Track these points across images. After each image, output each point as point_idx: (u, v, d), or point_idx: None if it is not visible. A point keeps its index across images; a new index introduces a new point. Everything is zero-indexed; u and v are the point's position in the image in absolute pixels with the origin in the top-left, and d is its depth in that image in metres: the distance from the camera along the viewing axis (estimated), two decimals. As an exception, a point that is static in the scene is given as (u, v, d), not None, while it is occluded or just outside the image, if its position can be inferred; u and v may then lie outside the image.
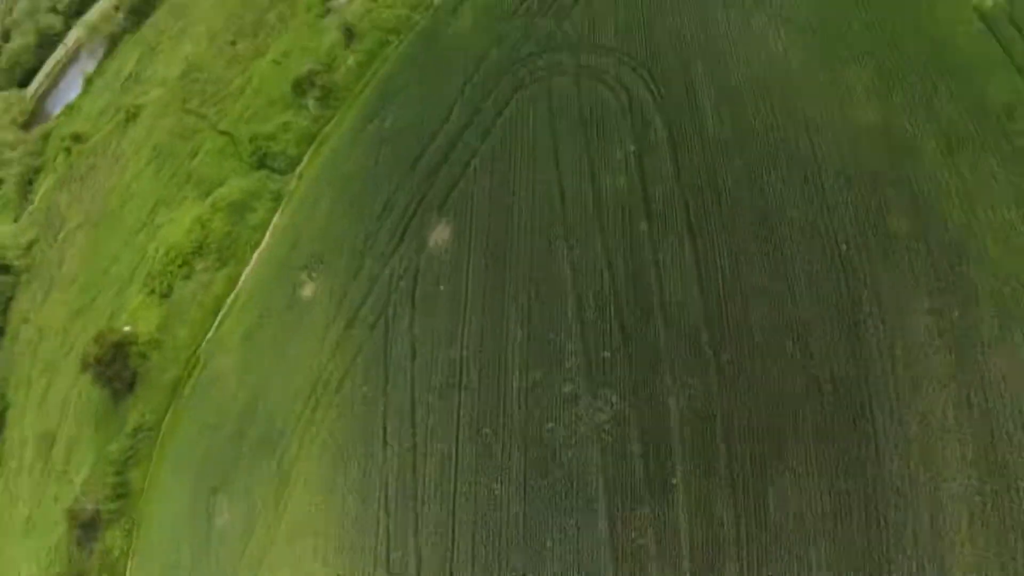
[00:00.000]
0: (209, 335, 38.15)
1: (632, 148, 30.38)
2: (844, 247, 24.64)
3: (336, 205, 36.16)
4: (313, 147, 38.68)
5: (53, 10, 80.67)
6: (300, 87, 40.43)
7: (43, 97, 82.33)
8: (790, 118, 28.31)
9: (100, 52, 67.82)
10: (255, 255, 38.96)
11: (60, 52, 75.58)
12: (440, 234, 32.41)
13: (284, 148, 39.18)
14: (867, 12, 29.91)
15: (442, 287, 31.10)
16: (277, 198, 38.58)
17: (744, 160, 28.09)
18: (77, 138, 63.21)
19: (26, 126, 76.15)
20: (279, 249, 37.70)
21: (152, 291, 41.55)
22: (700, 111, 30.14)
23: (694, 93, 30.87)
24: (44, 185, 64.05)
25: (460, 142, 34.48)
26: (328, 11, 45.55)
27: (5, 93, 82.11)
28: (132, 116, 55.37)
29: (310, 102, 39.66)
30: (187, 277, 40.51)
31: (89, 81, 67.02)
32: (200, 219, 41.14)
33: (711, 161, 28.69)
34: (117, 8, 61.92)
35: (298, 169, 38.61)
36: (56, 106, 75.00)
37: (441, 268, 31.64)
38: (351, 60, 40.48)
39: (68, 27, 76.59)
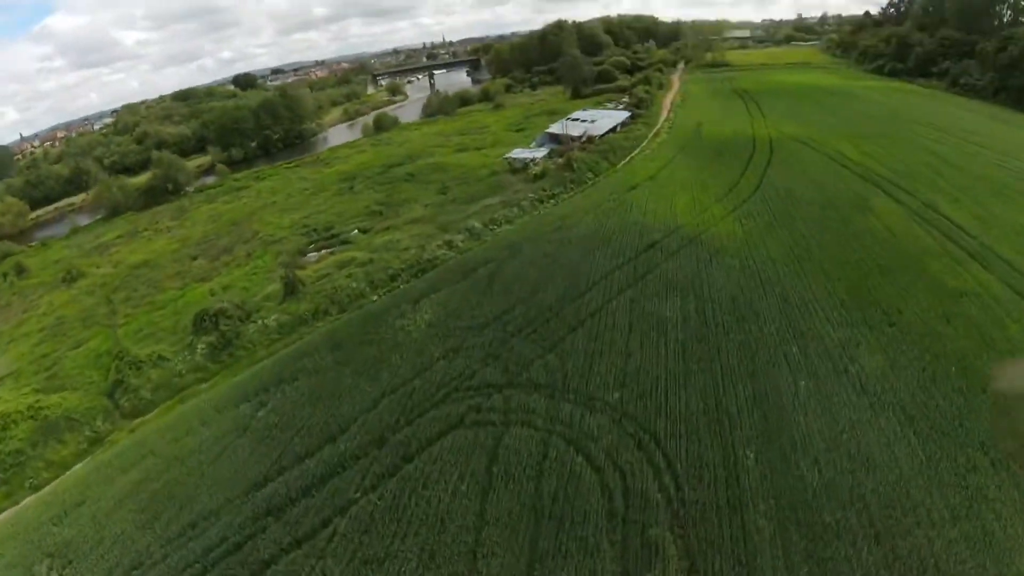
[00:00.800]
0: (-84, 571, 26.69)
1: (621, 578, 18.01)
2: None
3: (136, 490, 26.53)
4: (170, 402, 32.02)
5: (99, 160, 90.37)
6: (201, 324, 36.16)
7: (39, 225, 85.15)
8: (903, 550, 17.40)
9: (102, 212, 71.29)
10: (26, 500, 29.93)
11: (79, 197, 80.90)
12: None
13: (140, 386, 33.00)
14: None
15: None
16: (95, 442, 30.95)
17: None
18: (20, 272, 61.55)
19: (1, 238, 76.77)
20: (48, 511, 28.12)
21: (-81, 465, 31.99)
22: (748, 528, 18.44)
23: (739, 495, 19.52)
24: (-34, 296, 60.33)
25: (335, 479, 23.12)
26: (292, 264, 45.96)
27: (14, 201, 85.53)
28: (70, 279, 53.57)
29: (200, 346, 34.90)
30: (-49, 476, 31.38)
31: (74, 232, 68.57)
32: (6, 418, 33.23)
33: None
34: (138, 188, 66.68)
35: (136, 421, 31.28)
36: (39, 238, 76.15)
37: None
38: (273, 317, 37.77)
39: (99, 178, 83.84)
